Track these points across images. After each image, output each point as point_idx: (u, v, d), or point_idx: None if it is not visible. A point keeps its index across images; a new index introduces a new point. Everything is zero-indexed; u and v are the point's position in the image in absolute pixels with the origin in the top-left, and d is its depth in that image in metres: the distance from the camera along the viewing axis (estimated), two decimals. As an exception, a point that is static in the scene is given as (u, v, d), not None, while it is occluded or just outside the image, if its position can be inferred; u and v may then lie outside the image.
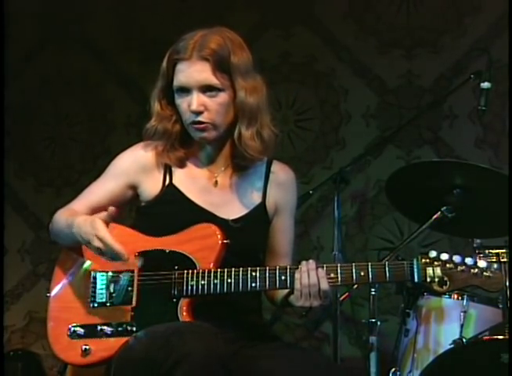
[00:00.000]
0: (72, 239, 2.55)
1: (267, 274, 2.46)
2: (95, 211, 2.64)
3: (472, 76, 3.68)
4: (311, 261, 2.46)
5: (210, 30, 2.60)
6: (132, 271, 2.52)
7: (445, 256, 2.41)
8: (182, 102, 2.58)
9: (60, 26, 5.25)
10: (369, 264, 2.45)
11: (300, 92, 4.82)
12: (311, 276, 2.43)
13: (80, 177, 5.03)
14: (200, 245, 2.52)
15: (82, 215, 2.59)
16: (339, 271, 2.45)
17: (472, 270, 2.39)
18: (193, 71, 2.54)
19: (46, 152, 5.24)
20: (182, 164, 2.65)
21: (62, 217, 2.63)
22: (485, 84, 3.61)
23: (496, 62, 3.99)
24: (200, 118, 2.55)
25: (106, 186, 2.67)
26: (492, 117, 4.43)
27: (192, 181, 2.65)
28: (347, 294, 3.29)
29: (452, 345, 3.23)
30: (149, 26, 5.09)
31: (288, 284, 2.46)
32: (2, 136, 4.76)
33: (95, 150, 5.10)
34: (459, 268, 2.40)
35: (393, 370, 3.35)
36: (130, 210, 2.94)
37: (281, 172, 2.73)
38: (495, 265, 2.41)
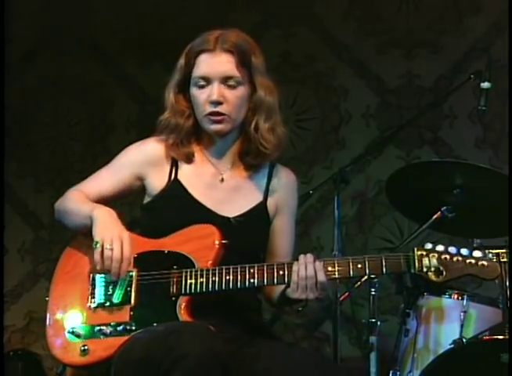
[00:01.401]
0: (80, 223, 2.59)
1: (265, 270, 2.48)
2: (103, 197, 2.68)
3: (472, 76, 3.68)
4: (309, 254, 2.49)
5: (229, 30, 2.65)
6: (131, 271, 2.52)
7: (440, 247, 2.47)
8: (200, 93, 2.61)
9: (60, 26, 5.24)
10: (366, 256, 2.48)
11: (300, 92, 4.82)
12: (308, 269, 2.46)
13: (80, 177, 5.01)
14: (198, 245, 2.53)
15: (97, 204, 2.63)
16: (336, 264, 2.48)
17: (467, 260, 2.45)
18: (217, 62, 2.58)
19: (46, 152, 5.24)
20: (189, 160, 2.67)
21: (76, 198, 2.66)
22: (485, 84, 3.61)
23: (496, 62, 3.99)
24: (218, 109, 2.59)
25: (115, 174, 2.70)
26: (492, 117, 4.44)
27: (197, 177, 2.67)
28: (347, 294, 3.29)
29: (452, 345, 3.23)
30: (149, 26, 5.09)
31: (286, 279, 2.48)
32: (2, 136, 4.76)
33: (95, 150, 5.10)
34: (455, 258, 2.45)
35: (393, 370, 3.35)
36: (130, 210, 2.94)
37: (283, 174, 2.76)
38: (490, 255, 2.44)
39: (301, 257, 2.49)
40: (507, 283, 3.28)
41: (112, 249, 2.48)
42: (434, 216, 3.24)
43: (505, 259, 3.33)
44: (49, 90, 5.27)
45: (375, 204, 4.65)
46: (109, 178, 2.70)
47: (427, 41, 4.67)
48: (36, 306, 4.91)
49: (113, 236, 2.49)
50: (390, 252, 3.23)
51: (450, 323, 3.37)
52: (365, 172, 4.63)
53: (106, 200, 2.68)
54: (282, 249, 2.74)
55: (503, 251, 3.32)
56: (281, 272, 2.48)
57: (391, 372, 3.35)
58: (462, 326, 3.30)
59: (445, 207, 3.23)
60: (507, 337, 3.12)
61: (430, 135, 4.62)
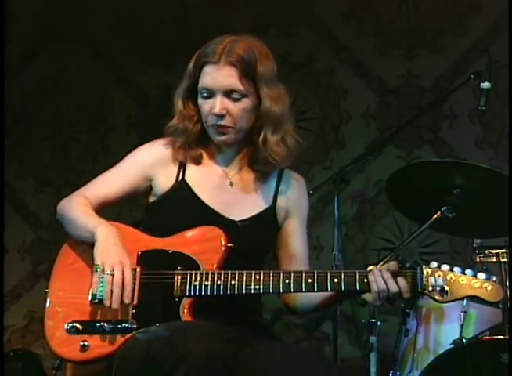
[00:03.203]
0: (82, 235, 2.56)
1: (271, 278, 2.47)
2: (111, 199, 2.67)
3: (472, 76, 3.69)
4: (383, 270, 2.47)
5: (239, 37, 2.63)
6: (134, 269, 2.50)
7: (445, 267, 2.47)
8: (204, 103, 2.61)
9: (60, 26, 5.25)
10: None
11: (300, 92, 4.82)
12: (390, 285, 2.44)
13: (80, 177, 5.03)
14: (203, 247, 2.52)
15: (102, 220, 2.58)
16: (342, 275, 2.47)
17: (472, 281, 2.45)
18: (220, 75, 2.57)
19: (46, 152, 5.24)
20: (197, 162, 2.67)
21: (81, 208, 2.61)
22: (485, 84, 3.62)
23: (496, 62, 4.00)
24: (221, 122, 2.59)
25: (123, 177, 2.68)
26: (492, 117, 4.44)
27: (204, 179, 2.67)
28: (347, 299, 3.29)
29: (452, 345, 3.23)
30: (149, 26, 5.09)
31: (292, 288, 2.47)
32: (2, 136, 4.76)
33: (95, 150, 5.10)
34: (460, 278, 2.46)
35: (393, 370, 3.35)
36: (130, 210, 2.94)
37: (292, 178, 2.77)
38: (494, 277, 2.45)
39: (375, 269, 2.46)
40: (507, 284, 3.28)
41: (112, 275, 2.44)
42: (434, 216, 3.23)
43: (505, 259, 3.35)
44: (49, 90, 5.27)
45: (375, 204, 4.66)
46: (118, 179, 2.68)
47: (427, 41, 4.67)
48: (36, 306, 4.91)
49: (113, 261, 2.45)
50: (390, 252, 3.25)
51: (450, 323, 3.38)
52: (365, 172, 4.64)
53: (113, 203, 2.68)
54: (299, 250, 2.72)
55: (503, 251, 3.35)
56: (287, 281, 2.46)
57: (391, 372, 3.35)
58: (462, 326, 3.30)
59: (445, 207, 3.23)
60: (507, 337, 3.13)
61: (430, 135, 4.63)
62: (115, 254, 2.47)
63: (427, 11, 4.69)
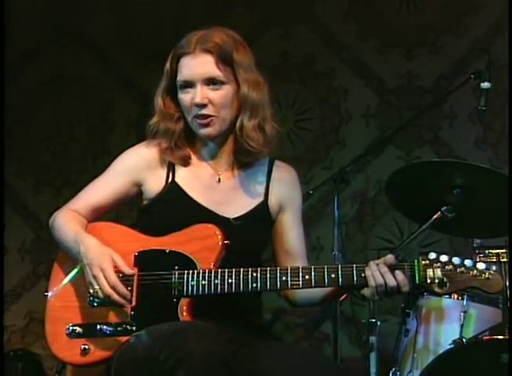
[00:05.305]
0: (71, 253, 2.55)
1: (268, 275, 2.47)
2: (98, 209, 2.66)
3: (472, 76, 3.69)
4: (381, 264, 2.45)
5: (212, 28, 2.63)
6: (132, 271, 2.51)
7: (444, 258, 2.42)
8: (185, 96, 2.59)
9: (60, 26, 5.25)
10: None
11: (300, 92, 4.82)
12: (388, 279, 2.42)
13: (80, 177, 5.03)
14: (200, 245, 2.51)
15: (88, 227, 2.60)
16: (340, 271, 2.45)
17: (471, 272, 2.41)
18: (197, 64, 2.56)
19: (46, 152, 5.24)
20: (185, 162, 2.66)
21: (67, 224, 2.62)
22: (485, 84, 3.62)
23: (496, 62, 4.00)
24: (203, 111, 2.56)
25: (111, 184, 2.67)
26: (492, 117, 4.44)
27: (195, 179, 2.66)
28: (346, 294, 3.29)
29: (452, 345, 3.23)
30: (149, 26, 5.10)
31: (289, 285, 2.46)
32: (2, 136, 4.76)
33: (95, 150, 5.10)
34: (459, 269, 2.41)
35: (393, 370, 3.35)
36: (130, 210, 2.94)
37: (283, 171, 2.75)
38: (494, 267, 2.42)
39: (372, 264, 2.45)
40: (507, 283, 3.28)
41: (100, 289, 2.45)
42: (434, 216, 3.24)
43: (505, 259, 3.35)
44: (49, 90, 5.27)
45: (375, 204, 4.66)
46: (106, 188, 2.66)
47: (427, 41, 4.67)
48: (36, 306, 4.91)
49: (95, 273, 2.45)
50: (390, 252, 3.25)
51: (450, 323, 3.38)
52: (365, 172, 4.64)
53: (105, 211, 2.67)
54: (295, 245, 2.71)
55: (503, 251, 3.35)
56: (284, 278, 2.46)
57: (391, 372, 3.35)
58: (462, 326, 3.30)
59: (445, 207, 3.23)
60: (507, 337, 3.13)
61: (430, 135, 4.63)
62: (94, 264, 2.46)
63: (427, 11, 4.69)
